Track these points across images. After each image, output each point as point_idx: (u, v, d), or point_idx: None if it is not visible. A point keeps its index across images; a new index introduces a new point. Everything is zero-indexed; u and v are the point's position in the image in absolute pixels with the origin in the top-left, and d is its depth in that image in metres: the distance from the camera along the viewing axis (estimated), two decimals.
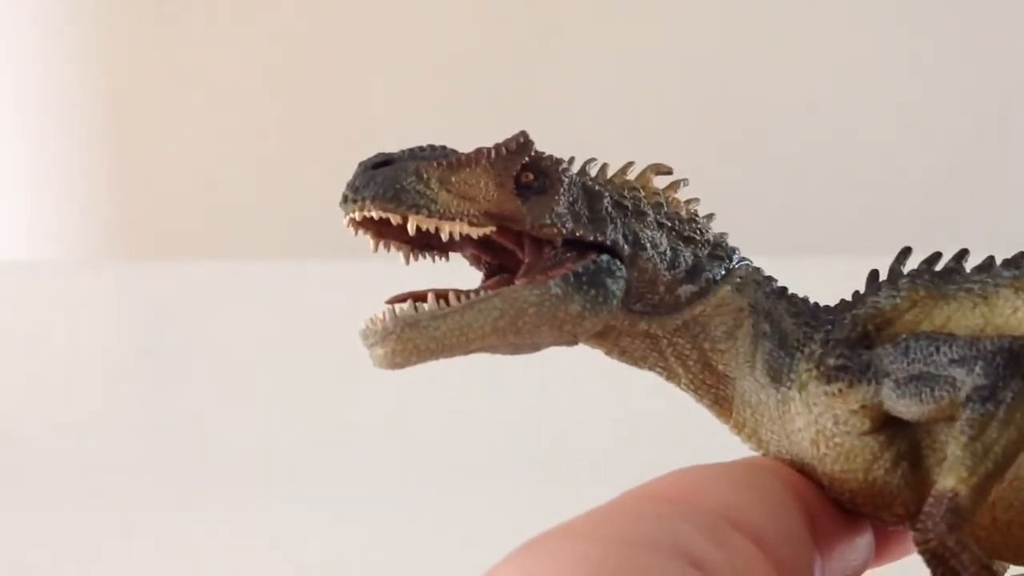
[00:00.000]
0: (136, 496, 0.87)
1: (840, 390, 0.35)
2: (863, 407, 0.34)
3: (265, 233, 1.62)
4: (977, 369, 0.33)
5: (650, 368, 0.38)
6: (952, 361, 0.34)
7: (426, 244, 0.36)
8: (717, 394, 0.38)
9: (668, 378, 0.38)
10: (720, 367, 0.38)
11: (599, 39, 1.58)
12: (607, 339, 0.37)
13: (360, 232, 0.36)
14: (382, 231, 0.36)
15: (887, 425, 0.35)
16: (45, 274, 1.54)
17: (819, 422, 0.35)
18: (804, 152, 1.59)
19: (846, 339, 0.36)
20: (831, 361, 0.36)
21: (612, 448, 0.84)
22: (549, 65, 1.59)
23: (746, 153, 1.58)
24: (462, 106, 1.58)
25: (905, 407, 0.34)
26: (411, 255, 0.37)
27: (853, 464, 0.35)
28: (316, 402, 1.04)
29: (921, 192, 1.58)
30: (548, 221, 0.36)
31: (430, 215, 0.35)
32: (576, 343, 0.37)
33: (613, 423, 0.91)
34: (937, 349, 0.34)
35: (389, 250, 0.37)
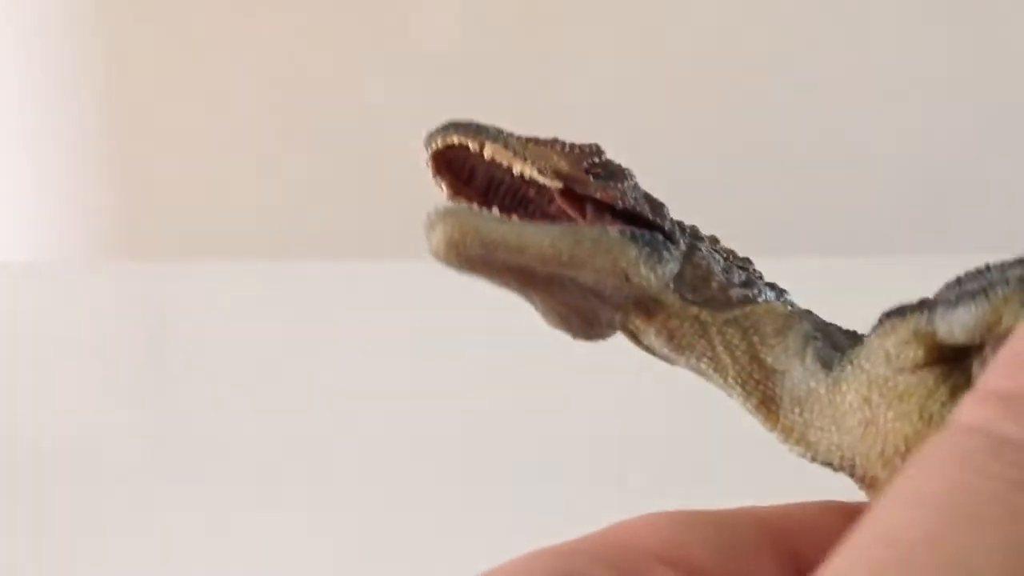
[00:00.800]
0: (136, 497, 0.87)
1: (893, 326, 0.34)
2: (915, 335, 0.34)
3: (265, 233, 1.61)
4: None
5: (697, 359, 0.38)
6: (1007, 267, 0.33)
7: (492, 207, 0.37)
8: (765, 392, 0.37)
9: (715, 369, 0.38)
10: (769, 360, 0.37)
11: (600, 39, 1.58)
12: (656, 318, 0.37)
13: (437, 179, 0.38)
14: (457, 187, 0.38)
15: (943, 360, 0.34)
16: (45, 274, 1.54)
17: (871, 375, 0.35)
18: (804, 152, 1.59)
19: None
20: (882, 317, 0.35)
21: (612, 449, 0.84)
22: (550, 65, 1.59)
23: (746, 153, 1.58)
24: (462, 106, 1.58)
25: (959, 322, 0.33)
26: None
27: (908, 404, 0.34)
28: (317, 402, 1.04)
29: (921, 192, 1.58)
30: (612, 186, 0.38)
31: (507, 148, 0.37)
32: (627, 296, 0.37)
33: (614, 423, 0.91)
34: (988, 267, 0.34)
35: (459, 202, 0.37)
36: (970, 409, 0.25)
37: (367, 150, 1.58)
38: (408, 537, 0.80)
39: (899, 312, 0.34)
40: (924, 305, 0.34)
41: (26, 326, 1.28)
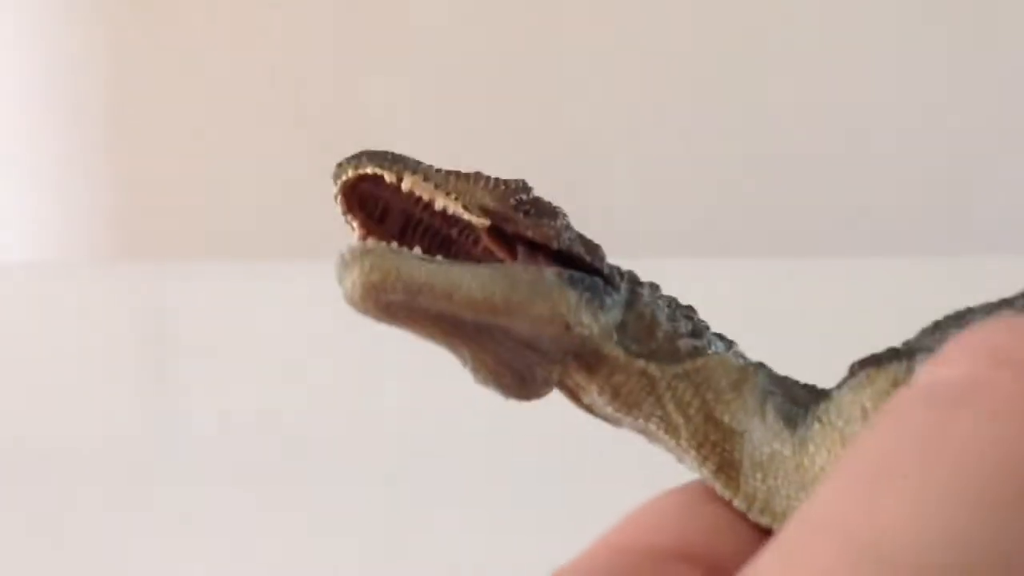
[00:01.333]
0: (136, 496, 0.87)
1: (868, 375, 0.32)
2: (895, 386, 0.31)
3: (265, 233, 1.61)
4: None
5: (645, 419, 0.35)
6: (990, 308, 0.31)
7: (411, 248, 0.34)
8: (723, 456, 0.34)
9: (666, 431, 0.34)
10: (726, 419, 0.34)
11: (600, 39, 1.58)
12: (598, 373, 0.34)
13: (348, 217, 0.34)
14: (370, 227, 0.34)
15: None
16: (45, 274, 1.54)
17: (844, 433, 0.32)
18: (804, 152, 1.59)
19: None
20: (852, 367, 0.33)
21: (611, 448, 0.84)
22: (550, 65, 1.59)
23: (745, 152, 1.58)
24: (463, 107, 1.58)
25: None
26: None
27: None
28: (317, 402, 1.04)
29: (921, 192, 1.58)
30: (546, 223, 0.34)
31: (427, 180, 0.33)
32: (567, 349, 0.34)
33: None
34: (971, 309, 0.32)
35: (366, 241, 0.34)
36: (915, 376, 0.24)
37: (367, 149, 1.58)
38: (408, 537, 0.80)
39: (873, 361, 0.33)
40: (899, 354, 0.32)
41: (26, 326, 1.28)
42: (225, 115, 1.64)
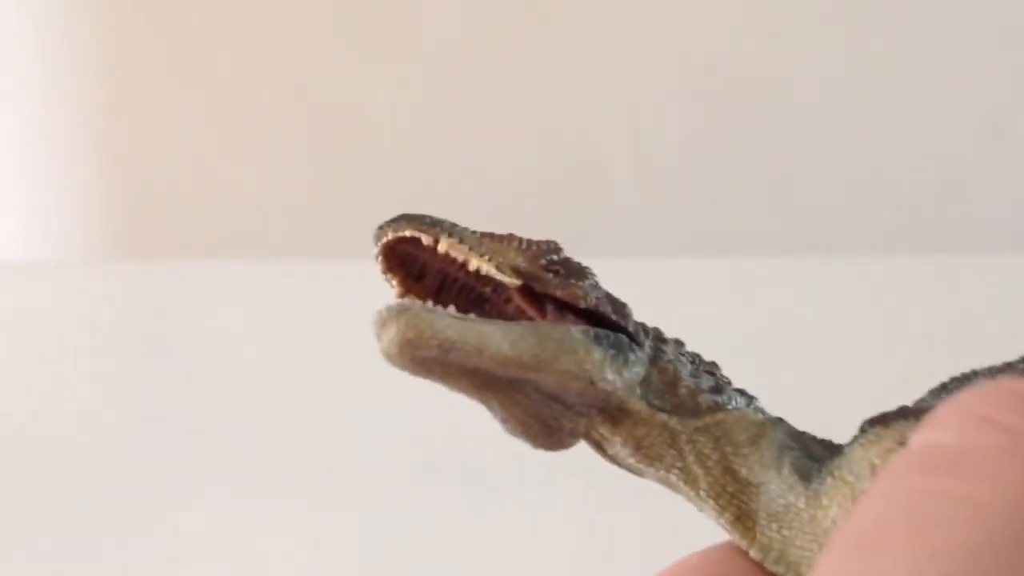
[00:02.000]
0: (135, 495, 0.88)
1: (877, 435, 0.33)
2: (901, 444, 0.32)
3: (265, 233, 1.61)
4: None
5: (666, 470, 0.36)
6: (995, 372, 0.33)
7: (446, 306, 0.35)
8: (740, 507, 0.35)
9: (686, 482, 0.36)
10: (743, 472, 0.35)
11: (600, 38, 1.58)
12: (622, 426, 0.36)
13: (387, 276, 0.36)
14: (408, 285, 0.36)
15: None
16: (45, 274, 1.54)
17: (854, 488, 0.33)
18: (804, 152, 1.59)
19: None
20: (862, 425, 0.34)
21: None
22: (550, 65, 1.59)
23: (745, 152, 1.58)
24: (463, 107, 1.58)
25: None
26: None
27: None
28: (318, 402, 1.04)
29: (921, 192, 1.58)
30: (574, 284, 0.36)
31: (462, 242, 0.35)
32: (592, 403, 0.35)
33: None
34: (975, 372, 0.33)
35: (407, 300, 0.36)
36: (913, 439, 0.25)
37: (368, 150, 1.58)
38: (407, 536, 0.80)
39: (881, 420, 0.33)
40: (907, 412, 0.33)
41: (26, 326, 1.28)
42: (226, 116, 1.65)
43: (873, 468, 0.33)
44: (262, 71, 1.63)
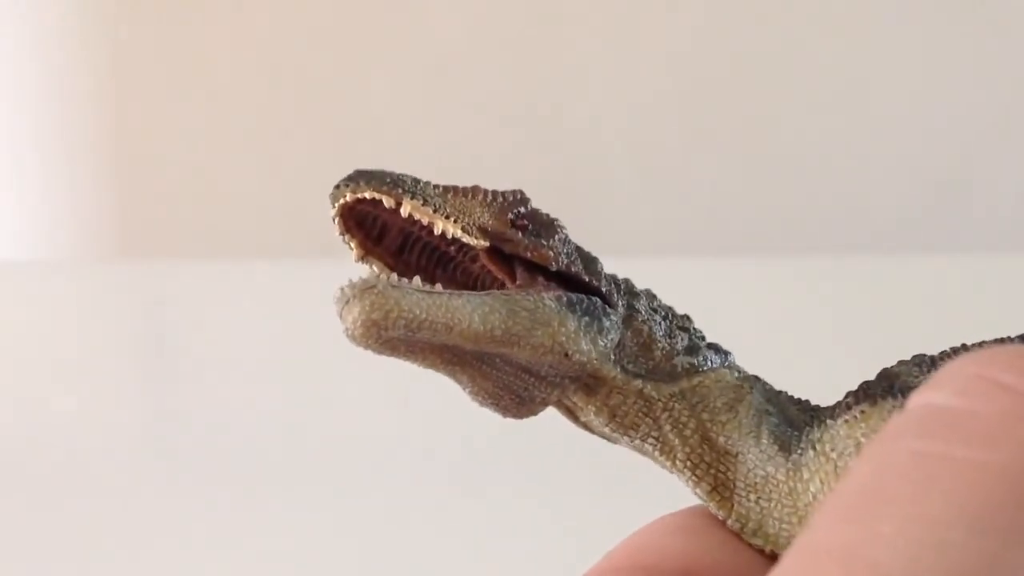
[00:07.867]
0: (135, 494, 0.87)
1: (863, 411, 0.33)
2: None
3: (265, 233, 1.61)
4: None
5: (642, 439, 0.35)
6: (985, 345, 0.32)
7: (410, 266, 0.34)
8: (717, 477, 0.34)
9: (662, 452, 0.35)
10: (721, 440, 0.34)
11: (600, 38, 1.58)
12: (596, 395, 0.34)
13: (346, 238, 0.34)
14: (367, 247, 0.34)
15: None
16: (45, 274, 1.54)
17: (838, 465, 0.32)
18: (804, 152, 1.59)
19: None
20: (847, 399, 0.33)
21: (609, 447, 0.84)
22: (550, 64, 1.59)
23: (745, 152, 1.58)
24: (463, 106, 1.58)
25: None
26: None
27: None
28: (317, 402, 1.04)
29: (921, 192, 1.58)
30: (544, 245, 0.34)
31: (426, 203, 0.33)
32: (565, 373, 0.34)
33: None
34: (964, 346, 0.33)
35: (370, 267, 0.34)
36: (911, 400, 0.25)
37: (368, 150, 1.58)
38: (407, 536, 0.80)
39: (867, 397, 0.33)
40: (894, 388, 0.33)
41: (26, 326, 1.28)
42: (226, 115, 1.64)
43: (859, 446, 0.32)
44: (261, 72, 1.63)
